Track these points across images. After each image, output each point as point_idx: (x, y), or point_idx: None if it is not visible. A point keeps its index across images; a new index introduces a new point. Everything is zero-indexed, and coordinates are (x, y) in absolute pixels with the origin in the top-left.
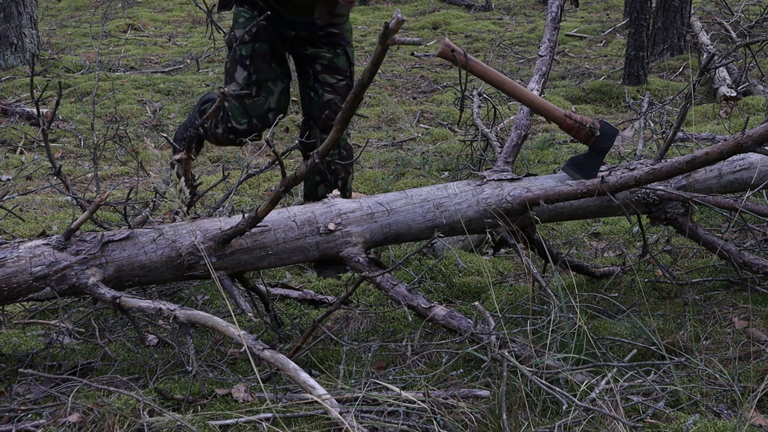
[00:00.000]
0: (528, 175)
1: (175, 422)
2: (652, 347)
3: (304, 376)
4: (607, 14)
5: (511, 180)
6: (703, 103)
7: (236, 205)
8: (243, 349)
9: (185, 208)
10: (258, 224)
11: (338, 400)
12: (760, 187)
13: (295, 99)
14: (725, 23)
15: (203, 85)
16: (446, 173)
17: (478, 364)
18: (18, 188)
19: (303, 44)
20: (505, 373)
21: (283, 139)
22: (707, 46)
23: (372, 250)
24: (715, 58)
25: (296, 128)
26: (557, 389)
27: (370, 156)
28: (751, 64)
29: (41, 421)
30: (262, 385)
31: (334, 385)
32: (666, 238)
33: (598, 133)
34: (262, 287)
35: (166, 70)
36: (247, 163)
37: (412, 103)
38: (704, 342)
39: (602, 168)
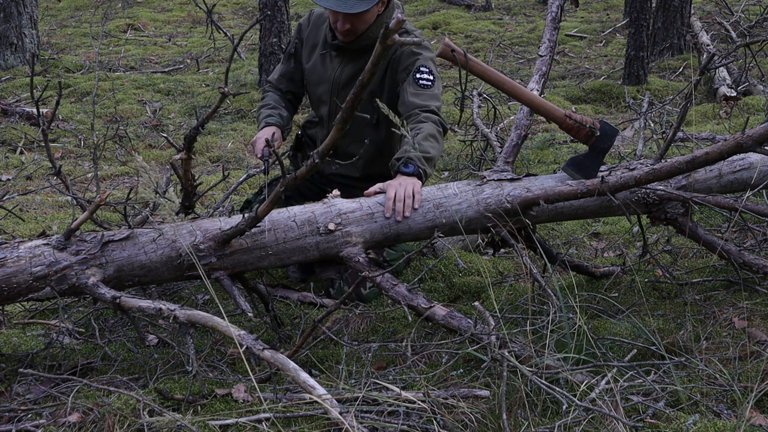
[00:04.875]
0: (528, 175)
1: (175, 422)
2: (652, 347)
3: (304, 376)
4: (607, 14)
5: (511, 180)
6: (703, 103)
7: (236, 205)
8: (243, 349)
9: (174, 215)
10: (258, 224)
11: (338, 400)
12: (760, 187)
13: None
14: (725, 23)
15: (203, 85)
16: (446, 173)
17: (478, 364)
18: (18, 188)
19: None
20: (505, 373)
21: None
22: (707, 46)
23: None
24: (715, 58)
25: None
26: (557, 389)
27: None
28: (751, 64)
29: (41, 421)
30: (257, 386)
31: (334, 385)
32: (666, 238)
33: (598, 133)
34: (262, 287)
35: (166, 70)
36: (246, 163)
37: None
38: (704, 342)
39: (602, 168)
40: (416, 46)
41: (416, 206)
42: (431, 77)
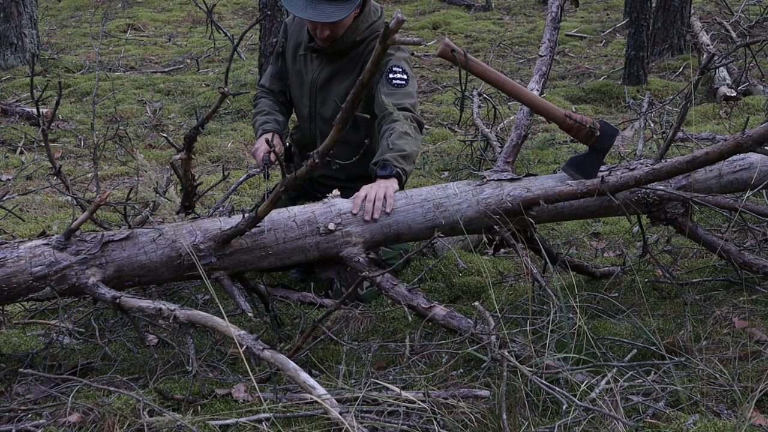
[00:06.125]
0: (528, 175)
1: (175, 422)
2: (652, 347)
3: (304, 376)
4: (607, 14)
5: (511, 180)
6: (703, 103)
7: (236, 205)
8: (243, 349)
9: (175, 214)
10: (258, 224)
11: (338, 400)
12: (760, 187)
13: None
14: (725, 23)
15: (203, 85)
16: (446, 173)
17: (478, 364)
18: (18, 188)
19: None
20: (505, 373)
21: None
22: (707, 46)
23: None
24: (715, 58)
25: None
26: (557, 389)
27: None
28: (751, 64)
29: (41, 421)
30: (257, 386)
31: (334, 385)
32: (666, 238)
33: (598, 133)
34: (262, 287)
35: (166, 70)
36: (246, 163)
37: None
38: (704, 342)
39: (602, 168)
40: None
41: (388, 210)
42: (404, 76)
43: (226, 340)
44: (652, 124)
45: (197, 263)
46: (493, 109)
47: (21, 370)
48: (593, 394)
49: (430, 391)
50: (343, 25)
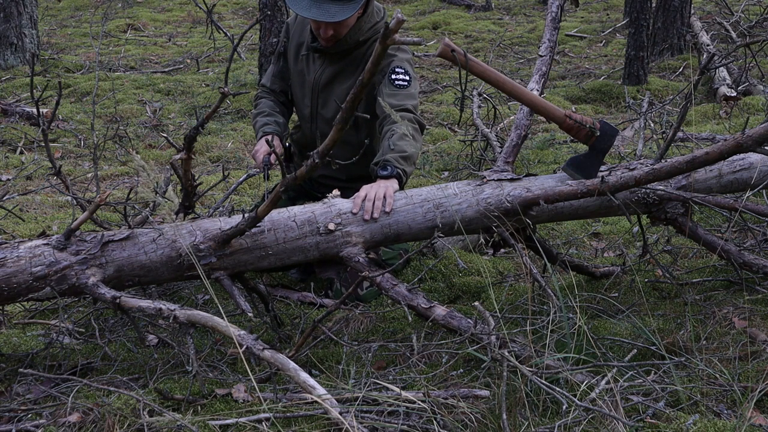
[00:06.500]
0: (528, 175)
1: (175, 422)
2: (652, 347)
3: (304, 376)
4: (607, 14)
5: (511, 180)
6: (703, 103)
7: (236, 205)
8: (243, 349)
9: (174, 215)
10: (258, 224)
11: (338, 400)
12: (760, 187)
13: None
14: (725, 23)
15: (203, 85)
16: (446, 173)
17: (478, 364)
18: (18, 188)
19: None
20: (505, 373)
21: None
22: (707, 46)
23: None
24: (715, 58)
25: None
26: (557, 389)
27: None
28: (751, 64)
29: (41, 421)
30: (257, 386)
31: (334, 385)
32: (666, 238)
33: (598, 133)
34: (262, 287)
35: (166, 70)
36: (246, 163)
37: None
38: (704, 342)
39: (602, 168)
40: (391, 48)
41: (387, 209)
42: (407, 77)
43: (226, 340)
44: (652, 124)
45: (197, 263)
46: (493, 109)
47: (21, 370)
48: (593, 394)
49: (430, 391)
50: (347, 25)
